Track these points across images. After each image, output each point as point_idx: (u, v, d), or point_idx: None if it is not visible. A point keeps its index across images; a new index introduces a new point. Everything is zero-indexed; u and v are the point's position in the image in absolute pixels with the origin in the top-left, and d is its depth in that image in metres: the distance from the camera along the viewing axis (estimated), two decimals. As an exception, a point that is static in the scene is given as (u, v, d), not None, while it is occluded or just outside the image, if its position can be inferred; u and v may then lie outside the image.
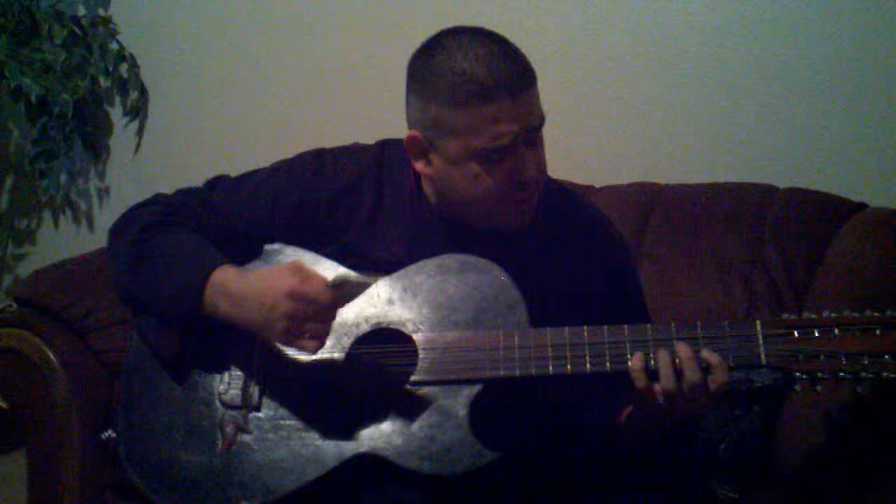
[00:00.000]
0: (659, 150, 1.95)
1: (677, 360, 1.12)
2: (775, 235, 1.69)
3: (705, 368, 1.12)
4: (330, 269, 1.27)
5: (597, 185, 1.86)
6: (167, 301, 1.23)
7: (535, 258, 1.26)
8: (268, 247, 1.31)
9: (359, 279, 1.17)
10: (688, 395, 1.12)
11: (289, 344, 1.18)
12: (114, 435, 1.31)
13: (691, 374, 1.11)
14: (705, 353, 1.12)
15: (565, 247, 1.29)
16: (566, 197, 1.34)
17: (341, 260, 1.28)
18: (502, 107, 1.13)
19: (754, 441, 1.48)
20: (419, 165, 1.23)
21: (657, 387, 1.12)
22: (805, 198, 1.73)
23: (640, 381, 1.13)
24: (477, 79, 1.13)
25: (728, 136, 1.90)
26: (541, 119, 1.19)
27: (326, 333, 1.17)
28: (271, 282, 1.16)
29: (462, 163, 1.18)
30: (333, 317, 1.17)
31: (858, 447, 1.34)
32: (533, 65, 1.19)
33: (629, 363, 1.13)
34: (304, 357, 1.22)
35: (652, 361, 1.13)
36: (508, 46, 1.18)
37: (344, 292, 1.16)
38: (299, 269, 1.17)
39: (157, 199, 1.35)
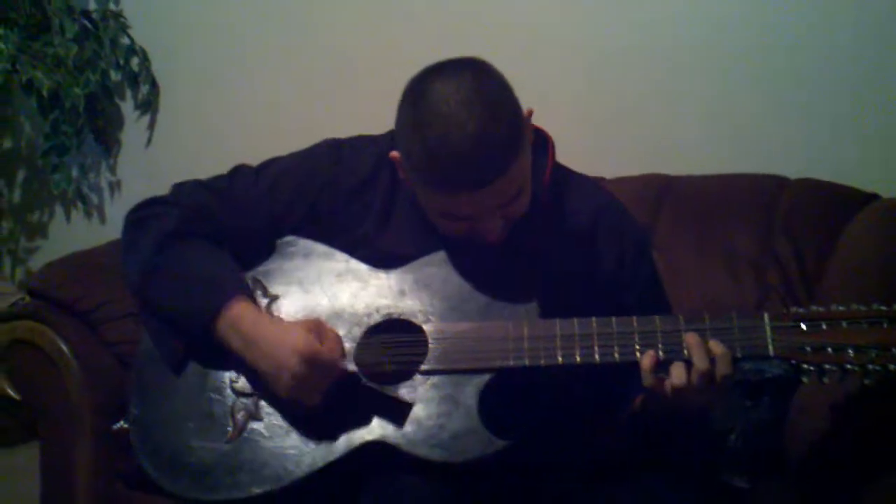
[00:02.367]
0: (669, 142, 1.95)
1: (686, 351, 1.12)
2: (786, 226, 1.69)
3: (711, 359, 1.12)
4: (342, 262, 1.28)
5: (607, 177, 1.86)
6: (179, 321, 1.25)
7: (545, 248, 1.26)
8: (280, 240, 1.32)
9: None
10: (696, 385, 1.12)
11: (291, 399, 1.19)
12: (126, 426, 1.31)
13: (700, 363, 1.11)
14: (712, 343, 1.12)
15: (576, 236, 1.29)
16: (578, 186, 1.34)
17: (354, 252, 1.29)
18: (464, 197, 1.13)
19: (765, 431, 1.48)
20: (404, 177, 1.23)
21: (667, 381, 1.13)
22: (816, 189, 1.72)
23: (648, 379, 1.13)
24: (443, 169, 1.11)
25: (739, 127, 1.89)
26: (514, 193, 1.16)
27: (329, 388, 1.18)
28: (286, 336, 1.18)
29: (425, 207, 1.21)
30: (338, 373, 1.19)
31: (868, 437, 1.34)
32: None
33: (640, 361, 1.13)
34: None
35: (661, 354, 1.13)
36: (496, 118, 1.11)
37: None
38: (316, 327, 1.18)
39: (177, 194, 1.35)
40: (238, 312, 1.21)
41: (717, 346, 1.12)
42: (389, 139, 1.30)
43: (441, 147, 1.10)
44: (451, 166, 1.11)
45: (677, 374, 1.12)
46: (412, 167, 1.17)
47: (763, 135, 1.87)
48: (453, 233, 1.21)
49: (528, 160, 1.19)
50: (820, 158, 1.81)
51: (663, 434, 1.26)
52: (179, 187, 1.36)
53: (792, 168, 1.77)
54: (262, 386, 1.22)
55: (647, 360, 1.13)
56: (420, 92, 1.15)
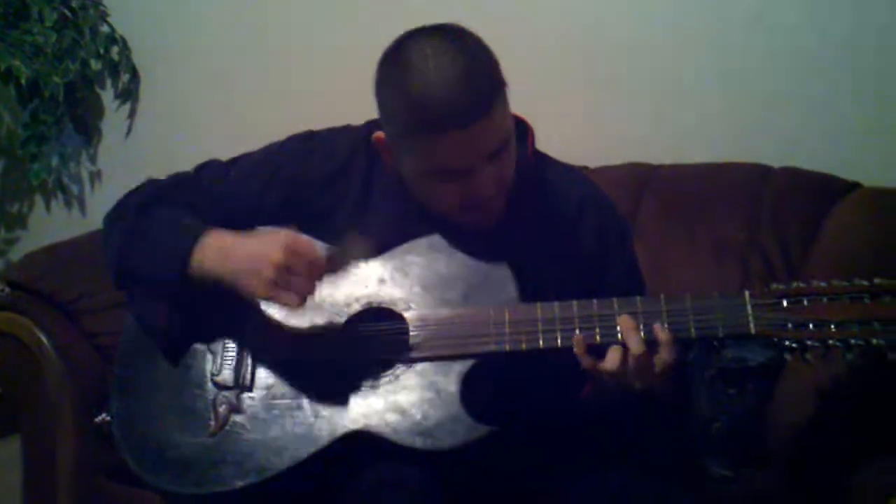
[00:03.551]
0: (653, 131, 1.95)
1: (620, 335, 1.13)
2: (770, 215, 1.70)
3: (652, 342, 1.12)
4: (324, 251, 1.27)
5: (590, 166, 1.86)
6: (155, 264, 1.22)
7: (526, 235, 1.26)
8: (260, 229, 1.30)
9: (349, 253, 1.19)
10: (633, 370, 1.12)
11: (272, 297, 1.16)
12: (108, 418, 1.31)
13: (634, 347, 1.11)
14: (656, 328, 1.12)
15: (558, 225, 1.28)
16: (561, 174, 1.33)
17: (333, 242, 1.27)
18: (453, 138, 1.12)
19: (749, 419, 1.49)
20: (390, 162, 1.23)
21: (601, 364, 1.13)
22: (799, 177, 1.73)
23: (586, 361, 1.13)
24: (427, 108, 1.11)
25: (722, 116, 1.89)
26: (501, 141, 1.16)
27: (311, 291, 1.16)
28: (266, 237, 1.18)
29: (418, 177, 1.19)
30: (321, 278, 1.17)
31: (853, 422, 1.34)
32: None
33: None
34: (295, 331, 1.22)
35: (597, 338, 1.14)
36: (473, 64, 1.13)
37: (336, 262, 1.18)
38: (295, 233, 1.18)
39: (150, 184, 1.34)
40: (212, 239, 1.20)
41: (661, 333, 1.12)
42: (365, 128, 1.30)
43: (424, 90, 1.11)
44: (436, 106, 1.10)
45: (611, 359, 1.12)
46: (397, 124, 1.16)
47: (746, 124, 1.87)
48: (446, 206, 1.19)
49: (511, 118, 1.18)
50: (803, 147, 1.81)
51: (618, 420, 1.26)
52: (153, 181, 1.36)
53: (775, 157, 1.78)
54: (250, 323, 1.21)
55: (579, 343, 1.13)
56: (396, 53, 1.16)
